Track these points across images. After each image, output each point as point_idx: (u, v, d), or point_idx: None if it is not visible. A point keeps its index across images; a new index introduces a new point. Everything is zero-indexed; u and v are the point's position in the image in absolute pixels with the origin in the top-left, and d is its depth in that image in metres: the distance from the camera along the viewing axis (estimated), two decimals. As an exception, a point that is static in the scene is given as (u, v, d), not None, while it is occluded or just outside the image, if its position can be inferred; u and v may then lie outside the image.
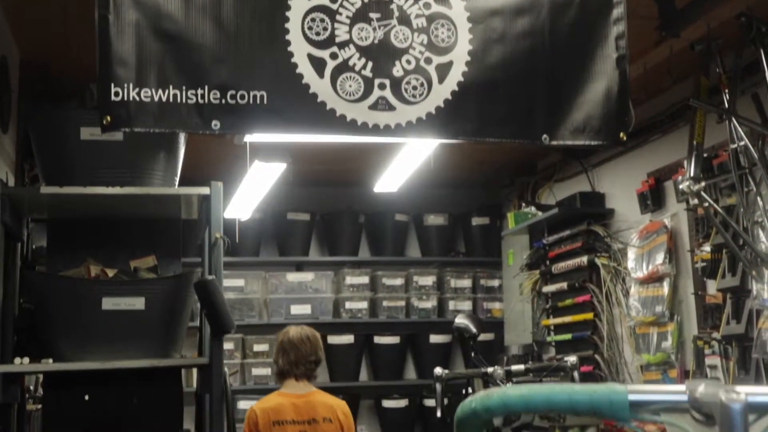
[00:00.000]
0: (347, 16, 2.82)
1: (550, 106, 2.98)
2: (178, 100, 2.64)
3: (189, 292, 3.60)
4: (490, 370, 3.73)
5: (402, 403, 7.07)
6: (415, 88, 2.84)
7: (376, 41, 2.82)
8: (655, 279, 5.00)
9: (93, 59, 2.63)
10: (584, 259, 5.77)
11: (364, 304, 7.16)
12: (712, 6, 3.68)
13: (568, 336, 5.98)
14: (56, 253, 3.84)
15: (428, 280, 7.32)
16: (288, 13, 2.78)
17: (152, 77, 2.63)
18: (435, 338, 7.22)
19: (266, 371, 6.75)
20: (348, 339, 7.07)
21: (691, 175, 3.96)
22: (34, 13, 3.93)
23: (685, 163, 4.11)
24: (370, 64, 2.81)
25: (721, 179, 4.30)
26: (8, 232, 3.54)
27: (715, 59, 4.10)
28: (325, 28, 2.80)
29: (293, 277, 7.12)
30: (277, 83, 2.74)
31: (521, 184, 7.04)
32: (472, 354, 3.98)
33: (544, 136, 2.96)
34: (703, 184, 3.96)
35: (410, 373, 7.43)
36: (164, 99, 2.63)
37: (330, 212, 7.34)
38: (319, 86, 2.76)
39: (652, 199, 5.16)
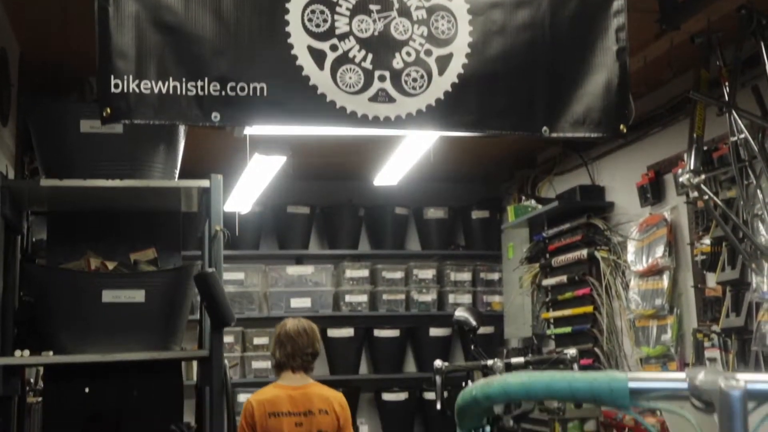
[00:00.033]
0: (347, 8, 2.82)
1: (550, 98, 2.98)
2: (178, 92, 2.64)
3: (189, 285, 3.61)
4: (489, 362, 3.73)
5: (402, 396, 7.08)
6: (415, 80, 2.84)
7: (376, 33, 2.82)
8: (654, 272, 5.00)
9: (93, 52, 2.63)
10: (584, 252, 5.77)
11: (364, 298, 7.16)
12: (713, -2, 3.68)
13: (567, 329, 5.98)
14: (56, 245, 3.84)
15: (428, 274, 7.32)
16: (288, 5, 2.78)
17: (152, 69, 2.63)
18: (435, 331, 7.23)
19: (266, 364, 6.75)
20: (348, 332, 7.07)
21: (691, 167, 3.96)
22: (34, 7, 3.93)
23: (685, 155, 4.11)
24: (370, 56, 2.81)
25: (721, 172, 4.30)
26: (8, 225, 3.54)
27: (716, 52, 4.09)
28: (325, 20, 2.80)
29: (293, 270, 7.12)
30: (277, 75, 2.73)
31: (521, 177, 7.04)
32: (472, 347, 3.99)
33: (544, 128, 2.96)
34: (703, 176, 3.96)
35: (410, 367, 7.44)
36: (164, 91, 2.63)
37: (330, 205, 7.34)
38: (319, 78, 2.76)
39: (652, 192, 5.16)
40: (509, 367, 3.73)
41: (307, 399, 3.98)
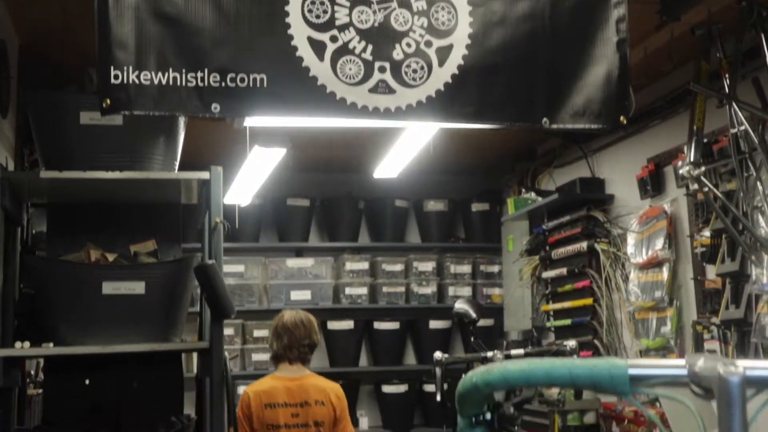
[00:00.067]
0: (347, -1, 2.82)
1: (551, 89, 2.97)
2: (178, 83, 2.64)
3: (189, 277, 3.61)
4: (489, 354, 3.73)
5: (402, 388, 7.09)
6: (415, 71, 2.84)
7: (376, 24, 2.82)
8: (654, 264, 5.00)
9: (92, 44, 2.63)
10: (584, 244, 5.77)
11: (363, 290, 7.17)
12: (713, -10, 3.68)
13: (567, 321, 5.99)
14: (56, 237, 3.84)
15: (428, 266, 7.33)
16: (288, -4, 2.78)
17: (152, 60, 2.63)
18: (434, 324, 7.24)
19: (266, 356, 6.73)
20: (348, 325, 7.08)
21: (691, 159, 3.96)
22: (33, -2, 3.93)
23: (685, 148, 4.11)
24: (370, 47, 2.80)
25: (721, 164, 4.30)
26: (8, 217, 3.54)
27: (716, 44, 4.09)
28: (325, 11, 2.79)
29: (293, 262, 7.13)
30: (277, 66, 2.73)
31: (521, 169, 7.04)
32: (472, 339, 3.98)
33: (544, 119, 2.96)
34: (703, 169, 3.96)
35: (410, 359, 7.45)
36: (164, 82, 2.63)
37: (330, 198, 7.34)
38: (319, 69, 2.75)
39: (652, 184, 5.16)
40: (509, 359, 3.74)
41: (304, 390, 4.00)
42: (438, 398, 3.69)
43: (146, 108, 2.64)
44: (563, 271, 6.03)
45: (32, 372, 4.55)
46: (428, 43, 2.87)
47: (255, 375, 6.40)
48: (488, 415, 2.64)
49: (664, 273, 4.92)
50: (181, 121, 3.78)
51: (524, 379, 1.00)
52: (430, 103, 2.85)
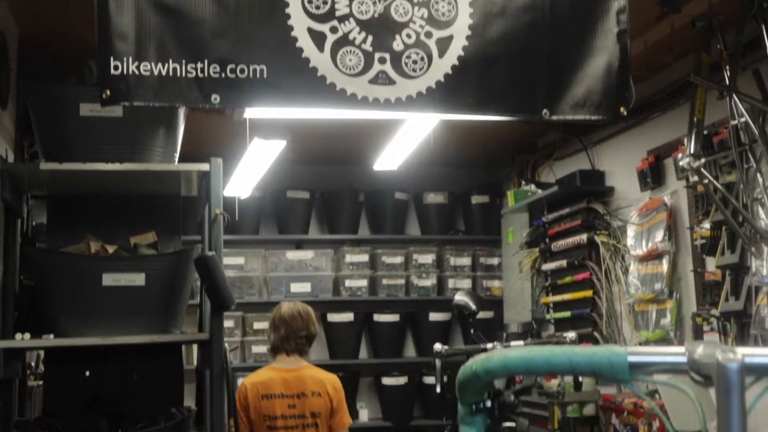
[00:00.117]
0: (347, -10, 2.81)
1: (551, 80, 2.97)
2: (178, 73, 2.64)
3: (189, 269, 3.61)
4: (489, 346, 3.73)
5: (401, 380, 7.10)
6: (415, 62, 2.84)
7: (376, 15, 2.82)
8: (654, 256, 5.01)
9: (92, 36, 2.63)
10: (584, 236, 5.78)
11: (363, 282, 7.17)
12: (714, -19, 3.67)
13: (567, 313, 5.99)
14: (56, 229, 3.84)
15: (428, 259, 7.33)
16: (288, -13, 2.77)
17: (152, 51, 2.63)
18: (434, 316, 7.25)
19: (266, 348, 6.74)
20: (348, 317, 7.09)
21: (691, 151, 3.96)
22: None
23: (686, 140, 4.10)
24: (370, 38, 2.80)
25: (721, 156, 4.30)
26: (8, 209, 3.54)
27: (717, 35, 4.08)
28: (324, 2, 2.79)
29: (293, 255, 7.13)
30: (277, 57, 2.73)
31: (521, 162, 7.04)
32: (472, 331, 3.99)
33: (545, 110, 2.96)
34: (703, 160, 3.96)
35: (410, 351, 7.46)
36: (164, 73, 2.62)
37: (330, 190, 7.34)
38: (319, 60, 2.75)
39: (652, 176, 5.16)
40: (509, 350, 3.74)
41: (301, 381, 4.02)
42: (438, 390, 3.70)
43: (146, 99, 2.63)
44: (563, 263, 6.03)
45: (33, 364, 4.56)
46: (428, 34, 2.86)
47: (255, 367, 6.37)
48: (488, 403, 2.64)
49: (664, 265, 4.93)
50: (181, 113, 3.78)
51: (524, 366, 1.00)
52: (430, 95, 2.84)
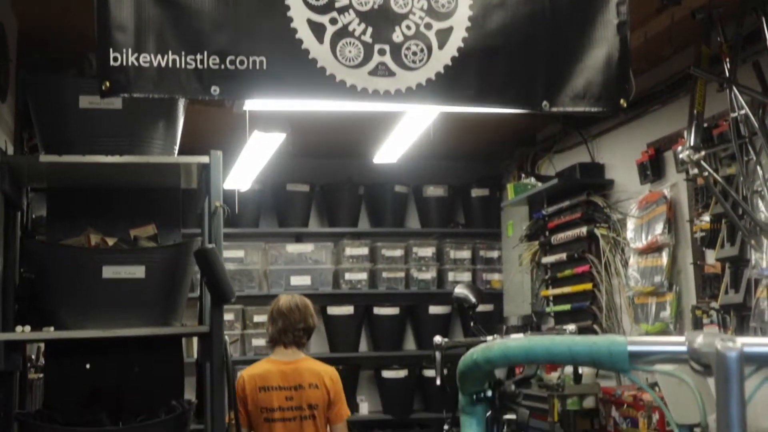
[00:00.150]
0: (347, -19, 2.81)
1: (550, 72, 2.97)
2: (177, 65, 2.64)
3: (189, 261, 3.61)
4: (489, 338, 3.74)
5: (401, 373, 7.11)
6: (415, 53, 2.83)
7: (375, 6, 2.81)
8: (654, 249, 5.01)
9: (92, 29, 2.63)
10: (583, 229, 5.78)
11: (363, 275, 7.17)
12: (714, -27, 3.66)
13: (567, 306, 6.00)
14: (56, 222, 3.84)
15: (428, 252, 7.33)
16: (287, -22, 2.77)
17: (151, 42, 2.63)
18: (434, 309, 7.25)
19: (265, 341, 6.77)
20: (348, 310, 7.09)
21: (691, 144, 3.95)
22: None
23: (685, 132, 4.10)
24: (369, 30, 2.80)
25: (721, 149, 4.30)
26: (8, 201, 3.54)
27: (717, 28, 4.07)
28: (324, -7, 2.78)
29: (293, 248, 7.13)
30: (277, 48, 2.73)
31: (521, 155, 7.03)
32: (472, 324, 3.99)
33: (544, 102, 2.96)
34: (703, 153, 3.95)
35: (410, 344, 7.46)
36: (163, 64, 2.62)
37: (329, 183, 7.34)
38: (319, 52, 2.75)
39: (652, 169, 5.15)
40: (509, 342, 3.74)
41: (298, 373, 4.04)
42: (438, 383, 3.70)
43: (145, 90, 2.63)
44: (563, 256, 6.03)
45: (33, 356, 4.56)
46: (428, 26, 2.86)
47: (255, 360, 6.36)
48: (489, 393, 2.65)
49: (664, 258, 4.93)
50: (181, 105, 3.77)
51: (524, 355, 1.01)
52: (429, 86, 2.84)
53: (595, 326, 5.62)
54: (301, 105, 3.27)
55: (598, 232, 5.63)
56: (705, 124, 4.16)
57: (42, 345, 4.52)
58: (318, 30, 2.76)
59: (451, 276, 7.31)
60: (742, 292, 4.14)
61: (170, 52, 2.64)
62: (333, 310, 7.06)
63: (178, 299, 3.66)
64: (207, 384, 3.54)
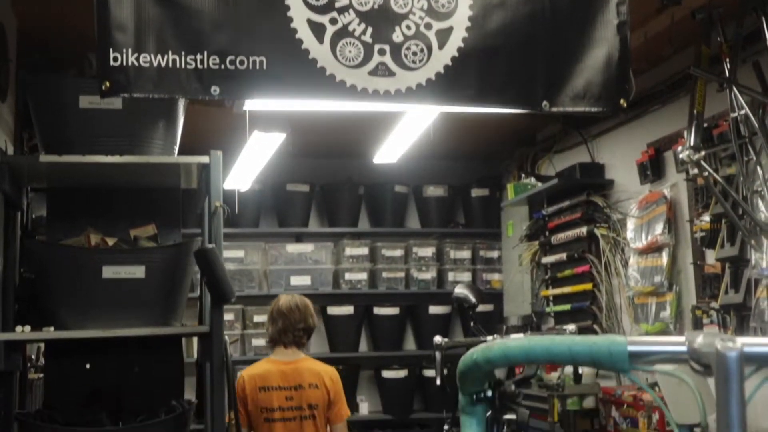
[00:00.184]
0: (347, -19, 2.81)
1: (551, 72, 2.97)
2: (177, 65, 2.64)
3: (189, 261, 3.61)
4: (489, 338, 3.74)
5: (401, 373, 7.11)
6: (415, 53, 2.83)
7: (375, 6, 2.81)
8: (654, 249, 5.01)
9: (91, 28, 2.62)
10: (583, 229, 5.77)
11: (363, 275, 7.17)
12: (714, -27, 3.66)
13: (567, 306, 6.00)
14: (56, 222, 3.84)
15: (428, 252, 7.33)
16: (287, -22, 2.77)
17: (151, 42, 2.63)
18: (434, 309, 7.24)
19: (265, 341, 6.76)
20: (347, 310, 7.09)
21: (691, 144, 3.95)
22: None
23: (685, 132, 4.10)
24: (369, 30, 2.80)
25: (721, 149, 4.30)
26: (8, 201, 3.54)
27: (717, 28, 4.07)
28: (324, -7, 2.78)
29: (293, 248, 7.13)
30: (277, 48, 2.73)
31: (521, 155, 7.03)
32: (472, 324, 3.99)
33: (544, 102, 2.96)
34: (703, 153, 3.95)
35: (410, 344, 7.46)
36: (163, 64, 2.62)
37: (329, 183, 7.34)
38: (319, 52, 2.75)
39: (652, 169, 5.15)
40: (509, 342, 3.74)
41: (298, 373, 4.04)
42: (438, 383, 3.70)
43: (145, 90, 2.63)
44: (563, 256, 6.03)
45: (33, 356, 4.56)
46: (428, 26, 2.86)
47: (255, 360, 6.37)
48: (489, 393, 2.65)
49: (664, 258, 4.93)
50: (181, 105, 3.77)
51: (524, 355, 1.01)
52: (429, 86, 2.84)
53: (595, 326, 5.61)
54: (301, 105, 3.27)
55: (598, 232, 5.63)
56: (705, 124, 4.16)
57: (42, 345, 4.52)
58: (318, 30, 2.76)
59: (451, 276, 7.31)
60: (742, 292, 4.13)
61: (170, 52, 2.64)
62: (333, 310, 7.06)
63: (178, 299, 3.66)
64: (207, 384, 3.54)
